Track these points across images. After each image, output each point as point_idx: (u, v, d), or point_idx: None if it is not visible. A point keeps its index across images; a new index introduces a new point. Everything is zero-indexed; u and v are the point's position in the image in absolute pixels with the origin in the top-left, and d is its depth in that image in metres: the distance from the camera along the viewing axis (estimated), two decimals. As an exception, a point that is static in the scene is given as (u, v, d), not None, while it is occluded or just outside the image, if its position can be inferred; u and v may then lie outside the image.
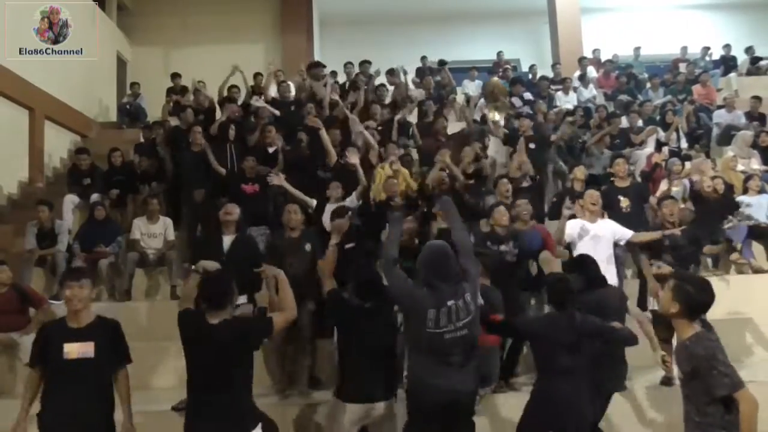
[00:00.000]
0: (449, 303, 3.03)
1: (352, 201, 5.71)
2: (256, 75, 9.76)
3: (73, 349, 3.01)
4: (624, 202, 5.85)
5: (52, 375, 3.08)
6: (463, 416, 3.14)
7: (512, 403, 4.22)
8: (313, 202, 5.77)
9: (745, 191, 6.90)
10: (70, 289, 3.10)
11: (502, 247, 4.90)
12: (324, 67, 9.41)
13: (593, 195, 5.10)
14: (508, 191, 5.89)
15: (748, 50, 12.31)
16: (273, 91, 9.21)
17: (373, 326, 3.37)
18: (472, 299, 3.09)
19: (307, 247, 4.63)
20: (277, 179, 5.80)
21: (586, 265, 3.95)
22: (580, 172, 6.66)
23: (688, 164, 7.47)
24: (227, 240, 4.58)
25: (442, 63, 10.56)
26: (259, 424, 3.04)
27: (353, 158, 5.92)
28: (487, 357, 4.07)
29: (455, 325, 3.02)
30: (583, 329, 3.18)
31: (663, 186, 6.98)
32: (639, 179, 7.24)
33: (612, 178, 6.35)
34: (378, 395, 3.32)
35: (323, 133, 6.44)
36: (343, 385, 3.41)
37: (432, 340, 3.02)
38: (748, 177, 7.02)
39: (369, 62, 10.09)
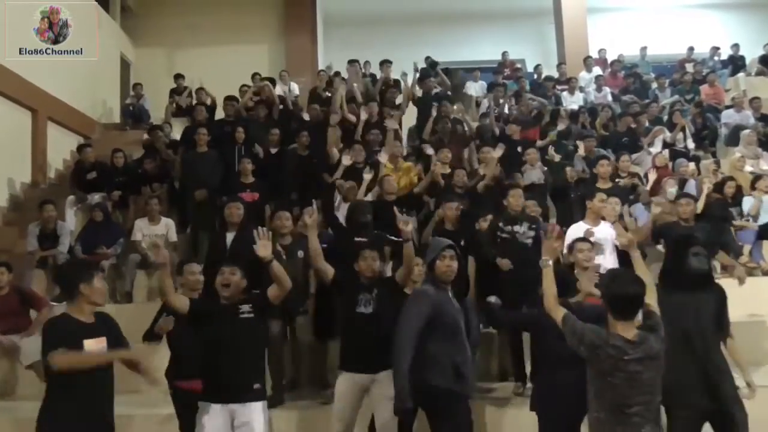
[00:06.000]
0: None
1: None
2: (254, 75, 9.69)
3: (92, 345, 3.07)
4: None
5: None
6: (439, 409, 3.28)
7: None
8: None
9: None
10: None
11: (516, 228, 4.82)
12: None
13: (601, 196, 4.95)
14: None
15: (734, 47, 12.08)
16: (278, 91, 9.18)
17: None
18: None
19: (300, 253, 4.59)
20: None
21: None
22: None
23: (692, 165, 7.39)
24: (230, 237, 4.61)
25: (433, 65, 10.07)
26: (264, 402, 3.29)
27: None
28: None
29: None
30: None
31: (652, 176, 6.87)
32: (644, 180, 7.17)
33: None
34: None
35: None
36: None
37: None
38: (757, 177, 6.89)
39: (368, 62, 10.07)
